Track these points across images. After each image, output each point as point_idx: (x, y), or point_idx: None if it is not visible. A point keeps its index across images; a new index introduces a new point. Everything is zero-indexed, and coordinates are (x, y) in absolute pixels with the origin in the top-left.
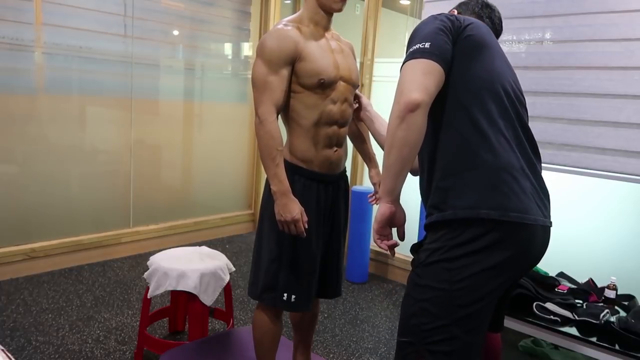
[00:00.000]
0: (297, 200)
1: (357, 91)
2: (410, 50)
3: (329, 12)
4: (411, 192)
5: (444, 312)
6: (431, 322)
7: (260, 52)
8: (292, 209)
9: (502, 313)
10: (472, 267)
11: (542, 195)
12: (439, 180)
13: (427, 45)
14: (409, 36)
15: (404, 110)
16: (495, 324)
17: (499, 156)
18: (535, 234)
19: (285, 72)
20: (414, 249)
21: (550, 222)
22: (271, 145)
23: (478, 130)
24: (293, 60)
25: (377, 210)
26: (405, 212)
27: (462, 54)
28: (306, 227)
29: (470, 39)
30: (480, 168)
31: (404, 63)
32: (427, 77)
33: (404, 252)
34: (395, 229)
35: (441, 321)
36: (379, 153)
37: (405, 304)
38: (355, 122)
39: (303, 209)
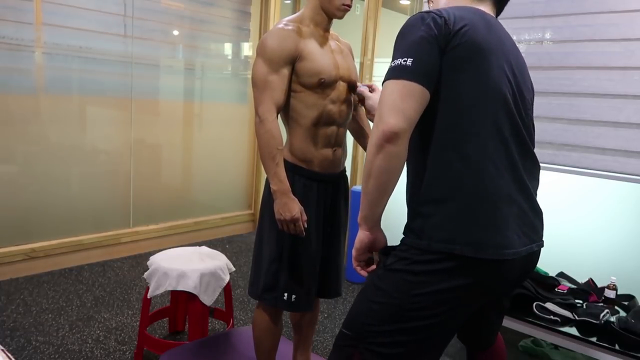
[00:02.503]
0: (296, 200)
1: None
2: (392, 65)
3: (329, 17)
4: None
5: (393, 319)
6: (377, 325)
7: (261, 51)
8: (291, 208)
9: (488, 331)
10: (433, 285)
11: (533, 216)
12: (419, 204)
13: (408, 62)
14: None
15: (382, 139)
16: (479, 342)
17: (483, 185)
18: (512, 266)
19: (285, 72)
20: (384, 251)
21: (539, 245)
22: (271, 145)
23: (463, 154)
24: (293, 60)
25: (356, 238)
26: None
27: (452, 66)
28: (305, 226)
29: (461, 48)
30: (461, 198)
31: (385, 79)
32: (407, 101)
33: None
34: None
35: (387, 327)
36: None
37: (358, 299)
38: (356, 118)
39: (303, 208)
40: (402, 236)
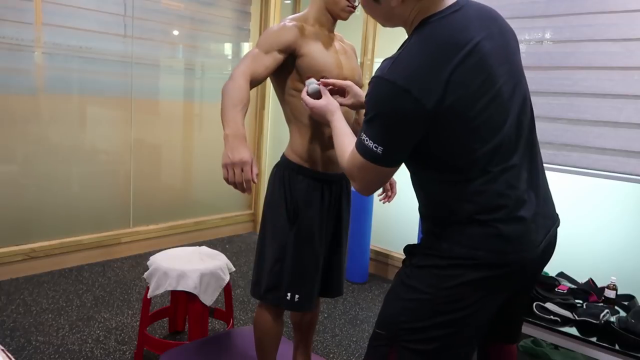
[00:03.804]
0: (250, 148)
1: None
2: (365, 142)
3: (334, 18)
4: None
5: (426, 314)
6: (411, 322)
7: (258, 42)
8: (243, 152)
9: (515, 325)
10: (461, 277)
11: (544, 204)
12: (439, 219)
13: (379, 150)
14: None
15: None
16: (507, 335)
17: (505, 205)
18: (533, 261)
19: (275, 55)
20: (408, 250)
21: (556, 226)
22: (236, 96)
23: (480, 177)
24: (289, 50)
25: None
26: (406, 212)
27: (444, 123)
28: (255, 181)
29: (449, 113)
30: (484, 213)
31: (357, 149)
32: (382, 179)
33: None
34: None
35: (421, 323)
36: None
37: (389, 298)
38: (358, 120)
39: (255, 158)
40: (422, 235)
